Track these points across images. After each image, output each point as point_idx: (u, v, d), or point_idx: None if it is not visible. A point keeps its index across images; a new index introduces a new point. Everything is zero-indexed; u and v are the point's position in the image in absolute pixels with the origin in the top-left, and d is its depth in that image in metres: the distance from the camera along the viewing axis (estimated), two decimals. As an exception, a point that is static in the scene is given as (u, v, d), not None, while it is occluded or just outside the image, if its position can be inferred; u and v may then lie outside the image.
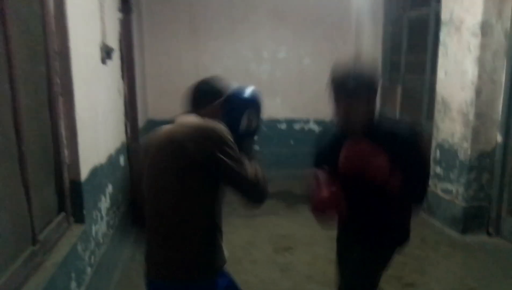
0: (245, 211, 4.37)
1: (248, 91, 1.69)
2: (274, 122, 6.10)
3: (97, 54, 2.89)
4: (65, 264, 2.01)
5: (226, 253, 1.65)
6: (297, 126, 6.14)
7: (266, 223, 4.13)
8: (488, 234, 3.80)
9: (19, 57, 1.80)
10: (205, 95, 1.69)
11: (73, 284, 2.13)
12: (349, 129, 1.75)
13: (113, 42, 3.44)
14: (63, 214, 2.24)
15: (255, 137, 1.74)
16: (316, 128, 6.17)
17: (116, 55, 3.49)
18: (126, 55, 4.31)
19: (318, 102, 6.03)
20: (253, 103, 1.68)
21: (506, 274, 3.13)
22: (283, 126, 6.15)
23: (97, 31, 2.92)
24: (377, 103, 1.81)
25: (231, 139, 1.51)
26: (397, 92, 5.45)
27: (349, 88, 1.64)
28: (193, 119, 1.59)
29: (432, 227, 4.03)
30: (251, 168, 1.55)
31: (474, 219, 3.79)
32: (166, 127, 1.60)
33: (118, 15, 3.79)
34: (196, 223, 1.53)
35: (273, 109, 5.94)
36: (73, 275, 2.14)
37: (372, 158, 1.60)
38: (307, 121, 6.18)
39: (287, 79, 6.01)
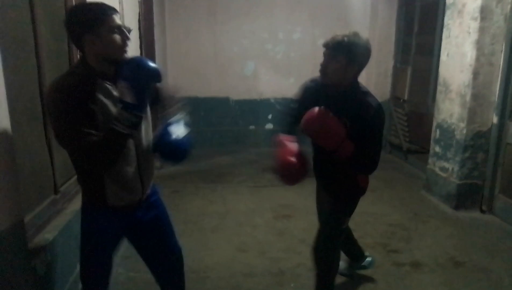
0: (253, 183, 4.73)
1: (142, 61, 1.53)
2: (288, 101, 6.33)
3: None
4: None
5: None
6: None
7: (270, 194, 4.45)
8: (482, 211, 3.97)
9: (44, 36, 2.14)
10: (72, 37, 1.60)
11: (89, 231, 2.52)
12: (323, 81, 2.03)
13: (132, 22, 3.77)
14: (81, 172, 2.62)
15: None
16: (328, 107, 6.37)
17: (135, 35, 3.82)
18: (146, 35, 4.65)
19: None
20: (135, 74, 1.50)
21: (489, 247, 3.33)
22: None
23: (115, 13, 3.24)
24: (357, 73, 2.02)
25: (59, 101, 1.48)
26: (407, 73, 5.59)
27: (330, 45, 1.94)
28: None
29: (428, 202, 4.24)
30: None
31: (467, 196, 3.98)
32: None
33: (138, -3, 4.11)
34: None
35: (287, 88, 6.18)
36: (89, 223, 2.52)
37: (326, 126, 1.87)
38: (319, 101, 6.39)
39: (302, 59, 6.21)
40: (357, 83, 2.06)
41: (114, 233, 1.82)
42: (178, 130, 1.81)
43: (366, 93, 2.03)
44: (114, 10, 1.57)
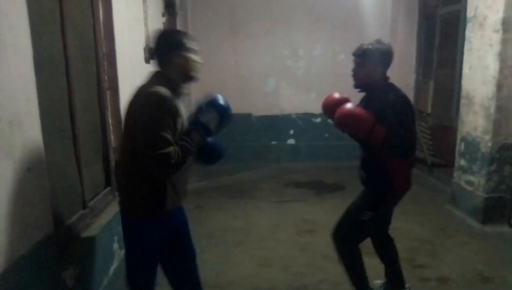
0: (275, 198, 4.75)
1: (222, 101, 1.90)
2: (309, 116, 6.39)
3: (141, 54, 3.36)
4: (108, 227, 2.48)
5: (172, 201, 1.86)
6: (331, 120, 6.37)
7: (293, 209, 4.45)
8: (510, 225, 3.87)
9: (74, 59, 2.26)
10: (158, 53, 1.81)
11: (115, 245, 2.60)
12: (355, 85, 2.32)
13: (157, 43, 3.91)
14: (109, 188, 2.72)
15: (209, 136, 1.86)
16: (350, 122, 6.38)
17: (159, 55, 3.96)
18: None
19: (352, 97, 6.24)
20: (221, 111, 1.87)
21: (519, 262, 3.24)
22: (318, 120, 6.41)
23: (141, 35, 3.38)
24: (384, 72, 2.30)
25: (161, 108, 1.64)
26: (429, 87, 5.54)
27: (357, 54, 2.28)
28: (144, 85, 1.79)
29: (455, 217, 4.15)
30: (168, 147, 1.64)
31: (495, 210, 3.88)
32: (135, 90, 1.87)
33: (162, 19, 4.26)
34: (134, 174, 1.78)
35: (308, 104, 6.24)
36: (115, 237, 2.60)
37: (355, 115, 2.09)
38: (341, 116, 6.40)
39: (322, 75, 6.26)
40: (385, 80, 2.31)
41: (162, 239, 1.92)
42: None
43: (391, 86, 2.28)
44: (193, 37, 1.87)
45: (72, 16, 2.25)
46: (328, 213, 4.06)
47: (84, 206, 2.34)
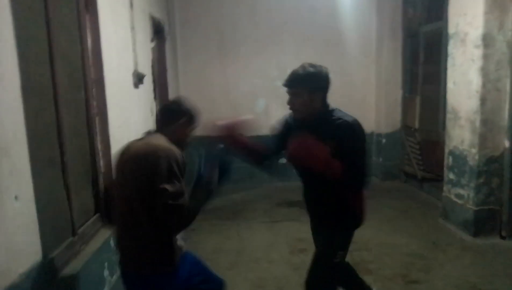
0: (268, 218, 4.74)
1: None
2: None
3: (129, 80, 3.39)
4: (98, 253, 2.46)
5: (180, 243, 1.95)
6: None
7: (286, 228, 4.45)
8: (502, 237, 3.90)
9: (62, 86, 2.28)
10: (169, 116, 1.98)
11: (106, 272, 2.57)
12: (295, 117, 2.14)
13: (146, 68, 3.96)
14: (98, 214, 2.71)
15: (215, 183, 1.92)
16: (340, 139, 6.44)
17: (148, 80, 4.00)
18: (159, 78, 4.85)
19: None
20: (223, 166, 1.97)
21: (511, 272, 3.25)
22: (308, 139, 6.45)
23: (129, 60, 3.42)
24: (324, 98, 2.08)
25: (177, 162, 1.74)
26: (416, 102, 5.64)
27: (288, 84, 2.04)
28: (152, 139, 1.86)
29: (446, 230, 4.18)
30: (184, 202, 1.72)
31: (486, 222, 3.91)
32: (133, 142, 1.92)
33: (151, 44, 4.32)
34: (147, 225, 1.78)
35: (298, 123, 6.28)
36: (106, 264, 2.58)
37: (311, 149, 1.89)
38: (331, 133, 6.46)
39: (311, 94, 6.32)
40: (327, 106, 2.09)
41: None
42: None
43: (338, 113, 2.06)
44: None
45: (60, 44, 2.27)
46: (321, 231, 4.04)
47: (74, 233, 2.32)
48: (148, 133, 1.97)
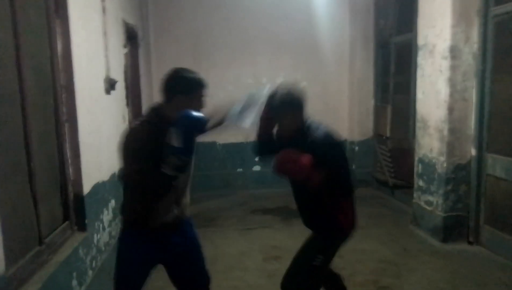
0: (242, 225, 4.73)
1: (190, 113, 1.81)
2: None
3: (101, 86, 3.33)
4: (67, 263, 2.39)
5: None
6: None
7: (260, 235, 4.45)
8: (469, 243, 4.01)
9: (30, 92, 2.22)
10: (170, 88, 1.95)
11: (74, 282, 2.50)
12: (281, 137, 2.25)
13: (118, 74, 3.90)
14: (67, 222, 2.64)
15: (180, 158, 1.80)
16: (314, 147, 6.51)
17: (120, 86, 3.94)
18: (132, 85, 4.78)
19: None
20: (183, 125, 1.80)
21: (478, 278, 3.34)
22: (283, 146, 6.49)
23: (101, 66, 3.37)
24: (303, 116, 2.19)
25: (129, 143, 1.87)
26: (387, 111, 5.76)
27: (273, 111, 2.16)
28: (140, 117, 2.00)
29: (416, 237, 4.27)
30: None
31: (454, 228, 4.02)
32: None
33: (124, 50, 4.27)
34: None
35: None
36: (74, 274, 2.51)
37: (293, 161, 2.00)
38: (305, 141, 6.52)
39: (286, 102, 6.37)
40: (304, 123, 2.19)
41: (151, 258, 2.09)
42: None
43: (312, 128, 2.16)
44: (206, 85, 2.00)
45: (28, 49, 2.22)
46: (294, 238, 4.04)
47: (40, 242, 2.25)
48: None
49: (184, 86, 1.94)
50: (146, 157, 1.82)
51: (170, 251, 2.11)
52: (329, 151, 2.09)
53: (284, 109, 2.12)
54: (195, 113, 1.81)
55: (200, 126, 1.85)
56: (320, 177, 2.01)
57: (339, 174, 2.11)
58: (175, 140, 1.75)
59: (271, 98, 2.16)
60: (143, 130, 1.91)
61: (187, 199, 2.19)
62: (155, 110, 2.02)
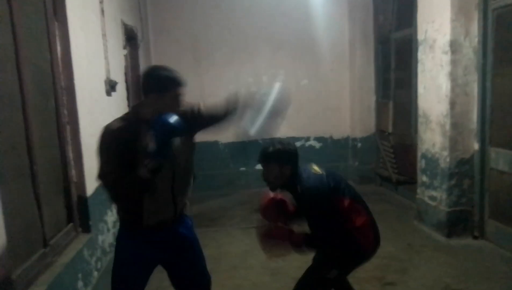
0: (245, 224, 4.72)
1: (167, 119, 1.75)
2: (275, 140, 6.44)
3: (101, 87, 3.34)
4: (72, 265, 2.40)
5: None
6: (298, 144, 6.46)
7: (264, 234, 4.44)
8: (474, 237, 3.99)
9: (31, 95, 2.23)
10: (143, 87, 1.89)
11: (80, 283, 2.51)
12: (270, 187, 2.35)
13: (118, 75, 3.91)
14: (71, 224, 2.64)
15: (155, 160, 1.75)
16: (316, 144, 6.51)
17: (121, 87, 3.95)
18: (133, 86, 4.78)
19: (316, 120, 6.40)
20: (160, 128, 1.75)
21: (484, 272, 3.33)
22: (285, 145, 6.49)
23: (101, 67, 3.37)
24: (291, 170, 2.26)
25: (103, 141, 1.82)
26: (389, 107, 5.75)
27: (261, 160, 2.29)
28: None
29: (421, 232, 4.26)
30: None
31: (458, 223, 4.01)
32: None
33: (124, 52, 4.27)
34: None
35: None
36: (79, 275, 2.51)
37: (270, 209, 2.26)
38: (307, 139, 6.52)
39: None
40: (296, 175, 2.26)
41: (147, 258, 2.03)
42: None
43: (302, 178, 2.24)
44: (184, 83, 1.91)
45: (28, 52, 2.22)
46: (298, 236, 4.06)
47: (45, 245, 2.26)
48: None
49: (156, 85, 1.86)
50: (118, 157, 1.78)
51: (168, 251, 2.07)
52: (314, 204, 2.19)
53: (271, 159, 2.24)
54: (170, 118, 1.75)
55: (176, 131, 1.78)
56: (300, 238, 2.16)
57: (321, 223, 2.21)
58: (150, 143, 1.73)
59: (264, 150, 2.28)
60: (116, 129, 1.84)
61: (186, 191, 2.12)
62: (134, 108, 1.99)
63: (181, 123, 1.77)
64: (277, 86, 2.31)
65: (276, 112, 2.21)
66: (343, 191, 2.25)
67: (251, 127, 2.18)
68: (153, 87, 1.86)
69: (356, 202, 2.28)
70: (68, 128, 2.68)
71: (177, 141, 1.91)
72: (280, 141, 2.30)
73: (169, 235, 2.05)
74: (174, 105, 1.87)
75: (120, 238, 2.05)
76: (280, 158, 2.24)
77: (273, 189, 2.34)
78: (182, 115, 1.83)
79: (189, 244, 2.14)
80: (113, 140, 1.81)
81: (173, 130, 1.76)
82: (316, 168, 2.31)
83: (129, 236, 2.01)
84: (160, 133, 1.73)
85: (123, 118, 1.91)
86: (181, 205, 2.08)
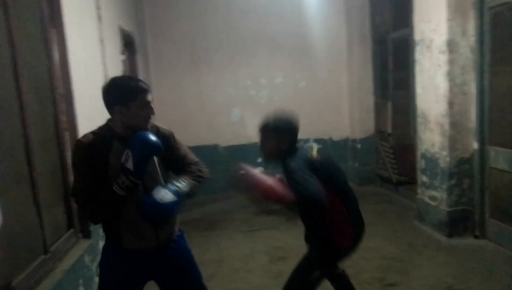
0: (247, 227, 4.72)
1: (146, 137, 1.72)
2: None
3: (100, 93, 3.33)
4: (72, 271, 2.39)
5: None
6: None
7: (264, 237, 4.44)
8: (475, 237, 3.99)
9: (29, 102, 2.23)
10: (106, 100, 1.80)
11: (81, 289, 2.50)
12: (264, 156, 2.34)
13: (117, 81, 3.91)
14: (71, 230, 2.64)
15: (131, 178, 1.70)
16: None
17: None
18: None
19: (316, 122, 6.40)
20: (139, 147, 1.71)
21: (485, 272, 3.33)
22: (285, 147, 6.49)
23: (99, 73, 3.38)
24: (287, 143, 2.22)
25: (74, 157, 1.76)
26: (388, 108, 5.75)
27: (260, 128, 2.28)
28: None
29: (421, 232, 4.25)
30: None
31: (459, 222, 4.00)
32: None
33: (121, 57, 4.28)
34: None
35: (274, 131, 6.31)
36: (80, 281, 2.51)
37: (262, 183, 2.04)
38: (307, 140, 6.51)
39: (285, 102, 6.34)
40: (292, 149, 2.21)
41: (132, 275, 1.91)
42: (166, 195, 1.79)
43: (293, 158, 2.14)
44: (148, 89, 1.79)
45: (25, 58, 2.23)
46: (299, 239, 4.00)
47: (46, 251, 2.26)
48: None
49: (118, 96, 1.75)
50: (90, 173, 1.73)
51: (158, 268, 1.94)
52: (292, 176, 2.08)
53: (269, 129, 2.22)
54: (148, 137, 1.71)
55: (153, 150, 1.74)
56: (291, 197, 1.98)
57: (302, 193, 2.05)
58: (126, 161, 1.68)
59: (265, 118, 2.26)
60: (87, 144, 1.76)
61: (171, 225, 1.99)
62: (107, 122, 1.87)
63: (159, 143, 1.74)
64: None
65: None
66: (330, 182, 2.14)
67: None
68: (115, 100, 1.75)
69: (339, 196, 2.20)
70: (66, 134, 2.68)
71: (152, 161, 1.85)
72: (284, 113, 2.27)
73: (160, 251, 1.94)
74: (143, 114, 1.78)
75: (106, 251, 1.95)
76: (278, 128, 2.21)
77: (267, 160, 2.32)
78: (161, 136, 1.84)
79: (183, 260, 2.04)
80: (84, 155, 1.74)
81: (152, 149, 1.73)
82: (315, 151, 2.20)
83: (115, 250, 1.90)
84: (138, 152, 1.68)
85: (95, 132, 1.83)
86: (164, 233, 1.93)
